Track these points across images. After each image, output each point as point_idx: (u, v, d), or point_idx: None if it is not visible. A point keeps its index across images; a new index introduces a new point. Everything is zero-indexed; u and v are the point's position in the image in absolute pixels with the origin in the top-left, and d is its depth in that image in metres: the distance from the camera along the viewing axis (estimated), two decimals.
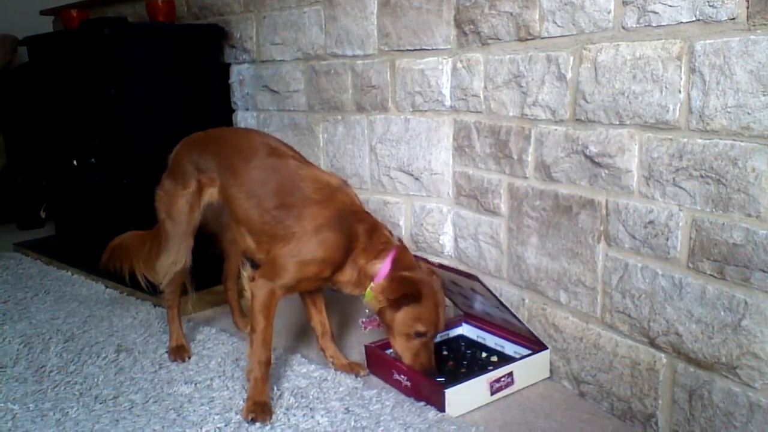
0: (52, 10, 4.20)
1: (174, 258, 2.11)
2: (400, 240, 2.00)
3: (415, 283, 1.88)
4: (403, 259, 1.93)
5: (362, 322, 2.07)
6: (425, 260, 2.12)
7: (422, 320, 1.89)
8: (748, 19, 1.41)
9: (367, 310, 2.02)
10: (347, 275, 1.93)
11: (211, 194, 2.07)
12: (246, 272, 1.92)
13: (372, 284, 1.90)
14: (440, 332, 2.01)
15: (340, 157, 2.74)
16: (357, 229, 1.90)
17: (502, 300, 2.22)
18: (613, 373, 1.84)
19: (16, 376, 2.11)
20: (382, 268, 1.90)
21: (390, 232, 1.99)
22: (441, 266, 2.15)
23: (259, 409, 1.81)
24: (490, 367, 2.01)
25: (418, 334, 1.90)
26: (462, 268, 2.41)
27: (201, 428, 1.79)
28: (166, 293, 2.22)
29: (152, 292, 2.36)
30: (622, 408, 1.82)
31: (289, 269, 1.85)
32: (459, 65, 2.28)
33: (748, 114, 1.41)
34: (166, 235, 2.11)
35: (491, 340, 2.22)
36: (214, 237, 2.28)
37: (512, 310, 2.17)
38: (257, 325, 1.84)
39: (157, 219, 2.17)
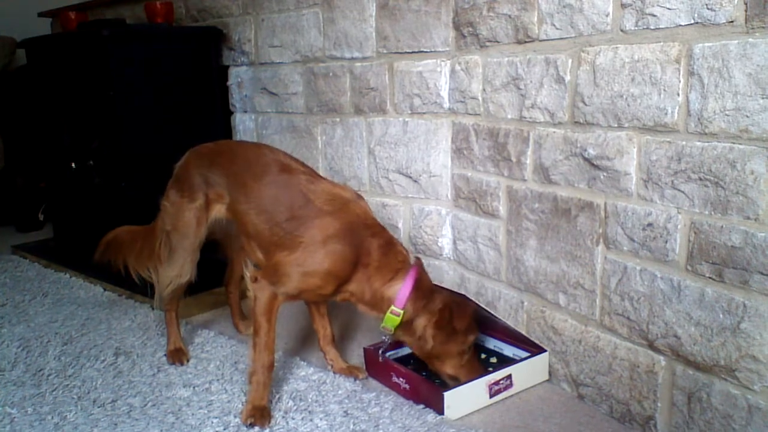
0: (50, 12, 4.20)
1: (179, 271, 2.09)
2: (417, 258, 1.95)
3: (467, 308, 1.91)
4: (424, 280, 1.89)
5: (382, 352, 2.06)
6: None
7: (471, 331, 1.92)
8: (746, 22, 1.41)
9: (385, 338, 1.97)
10: (357, 290, 1.87)
11: (219, 210, 2.04)
12: (249, 272, 1.90)
13: (393, 307, 1.85)
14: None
15: (338, 159, 2.74)
16: (369, 243, 1.84)
17: (501, 302, 2.22)
18: (612, 376, 1.84)
19: (14, 379, 2.11)
20: (402, 290, 1.84)
21: (406, 249, 1.94)
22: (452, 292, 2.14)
23: (259, 413, 1.81)
24: (490, 369, 2.01)
25: (470, 346, 1.93)
26: (460, 270, 2.41)
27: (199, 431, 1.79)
28: (165, 298, 2.21)
29: (144, 286, 2.35)
30: (621, 410, 1.82)
31: (292, 278, 1.82)
32: (457, 67, 2.28)
33: (747, 117, 1.42)
34: (171, 247, 2.09)
35: (490, 342, 2.22)
36: (218, 243, 2.27)
37: (510, 314, 2.17)
38: (260, 328, 1.83)
39: (155, 222, 2.16)
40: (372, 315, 1.93)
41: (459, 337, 1.89)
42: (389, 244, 1.88)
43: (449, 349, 1.89)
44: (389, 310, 1.86)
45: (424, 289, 1.88)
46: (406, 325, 1.89)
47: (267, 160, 2.01)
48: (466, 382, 1.89)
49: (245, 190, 1.97)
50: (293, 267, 1.82)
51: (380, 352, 2.06)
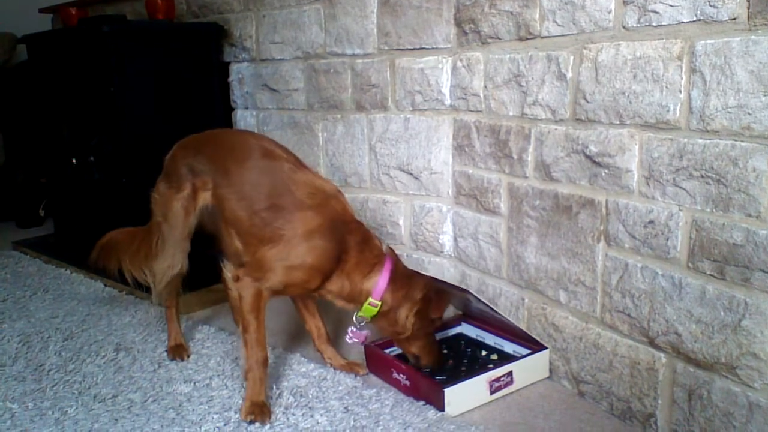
0: (51, 7, 4.19)
1: (170, 262, 2.08)
2: (389, 248, 1.98)
3: (444, 296, 1.97)
4: (399, 270, 1.94)
5: (352, 332, 2.06)
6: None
7: (441, 308, 2.00)
8: (749, 19, 1.41)
9: (361, 323, 2.01)
10: (336, 287, 1.91)
11: (205, 198, 2.03)
12: (228, 271, 1.89)
13: (371, 299, 1.90)
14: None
15: (339, 155, 2.74)
16: (348, 240, 1.88)
17: (502, 299, 2.22)
18: (612, 373, 1.84)
19: (14, 374, 2.11)
20: (379, 283, 1.90)
21: (380, 240, 1.97)
22: (432, 279, 2.14)
23: (258, 410, 1.81)
24: (490, 366, 2.01)
25: (434, 322, 2.00)
26: (461, 267, 2.41)
27: (200, 427, 1.79)
28: (162, 293, 2.21)
29: (139, 288, 2.35)
30: (621, 407, 1.82)
31: (276, 272, 1.83)
32: (459, 64, 2.28)
33: (749, 114, 1.41)
34: (162, 239, 2.09)
35: (490, 339, 2.22)
36: (213, 237, 2.27)
37: (511, 311, 2.17)
38: (249, 325, 1.83)
39: (151, 220, 2.16)
40: (350, 308, 1.97)
41: (433, 322, 1.98)
42: (365, 239, 1.92)
43: (421, 333, 1.97)
44: (367, 302, 1.91)
45: (401, 279, 1.93)
46: (383, 314, 1.94)
47: (251, 145, 2.01)
48: (427, 365, 2.00)
49: (227, 174, 1.97)
50: (277, 261, 1.83)
51: (349, 334, 2.07)
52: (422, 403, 1.88)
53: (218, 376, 2.08)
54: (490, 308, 2.05)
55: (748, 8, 1.40)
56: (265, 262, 1.83)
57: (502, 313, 2.12)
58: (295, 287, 1.90)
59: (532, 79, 1.98)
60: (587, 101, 1.81)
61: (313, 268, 1.84)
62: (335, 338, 2.28)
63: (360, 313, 1.94)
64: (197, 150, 2.07)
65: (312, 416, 1.83)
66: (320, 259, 1.84)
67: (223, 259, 2.00)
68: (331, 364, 2.12)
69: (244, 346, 1.85)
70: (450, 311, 2.40)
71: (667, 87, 1.59)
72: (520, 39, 2.02)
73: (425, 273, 2.19)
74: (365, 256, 1.90)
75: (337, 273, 1.88)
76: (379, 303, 1.91)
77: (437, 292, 1.97)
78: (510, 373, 1.97)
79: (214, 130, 2.32)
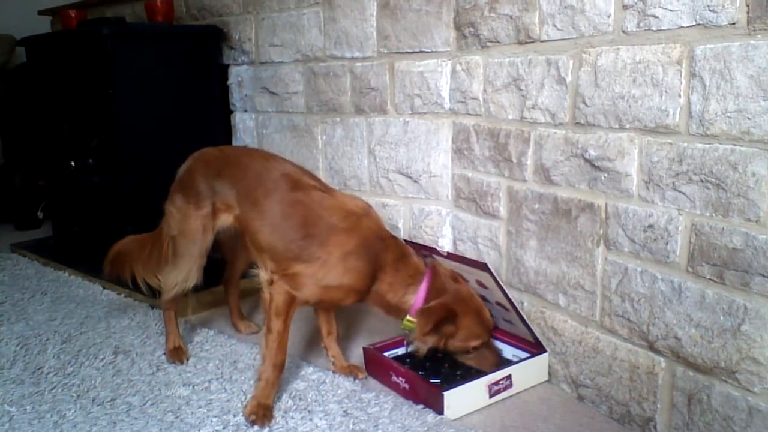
0: (50, 10, 4.19)
1: (185, 275, 2.10)
2: (432, 264, 1.99)
3: (444, 307, 1.89)
4: (434, 288, 1.93)
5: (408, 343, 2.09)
6: (432, 249, 2.12)
7: (472, 335, 1.94)
8: (748, 24, 1.41)
9: (408, 334, 2.05)
10: (372, 302, 1.96)
11: (226, 219, 2.05)
12: (264, 274, 1.91)
13: (408, 317, 1.94)
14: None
15: (338, 159, 2.74)
16: (383, 258, 1.91)
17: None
18: (611, 377, 1.84)
19: (13, 377, 2.10)
20: (415, 304, 1.92)
21: (419, 255, 1.99)
22: (449, 255, 2.13)
23: (261, 412, 1.81)
24: None
25: (476, 347, 1.96)
26: None
27: (199, 430, 1.79)
28: (168, 299, 2.21)
29: (153, 295, 2.35)
30: (620, 411, 1.82)
31: (312, 289, 1.87)
32: (458, 68, 2.28)
33: (748, 119, 1.42)
34: (178, 252, 2.09)
35: None
36: (217, 242, 2.26)
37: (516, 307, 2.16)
38: (273, 328, 1.84)
39: (162, 228, 2.16)
40: (390, 317, 2.01)
41: (454, 342, 1.96)
42: (402, 256, 1.95)
43: (453, 350, 1.98)
44: (405, 318, 1.94)
45: (435, 296, 1.92)
46: None
47: (276, 175, 2.01)
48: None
49: (257, 207, 1.98)
50: (312, 279, 1.87)
51: (406, 347, 2.12)
52: (421, 406, 1.88)
53: (217, 379, 2.07)
54: (502, 290, 2.02)
55: (748, 13, 1.41)
56: (300, 278, 1.87)
57: (510, 309, 2.10)
58: (328, 303, 1.97)
59: (532, 82, 1.98)
60: (587, 105, 1.81)
61: (350, 288, 1.89)
62: (344, 338, 2.28)
63: (403, 326, 1.97)
64: (219, 170, 2.07)
65: (311, 420, 1.83)
66: (356, 279, 1.89)
67: (258, 265, 2.00)
68: (333, 364, 2.13)
69: (264, 347, 1.86)
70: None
71: (666, 91, 1.59)
72: (520, 43, 2.02)
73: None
74: (400, 275, 1.93)
75: (373, 291, 1.93)
76: (416, 320, 1.93)
77: (426, 311, 1.90)
78: (509, 377, 1.97)
79: (233, 149, 2.34)
